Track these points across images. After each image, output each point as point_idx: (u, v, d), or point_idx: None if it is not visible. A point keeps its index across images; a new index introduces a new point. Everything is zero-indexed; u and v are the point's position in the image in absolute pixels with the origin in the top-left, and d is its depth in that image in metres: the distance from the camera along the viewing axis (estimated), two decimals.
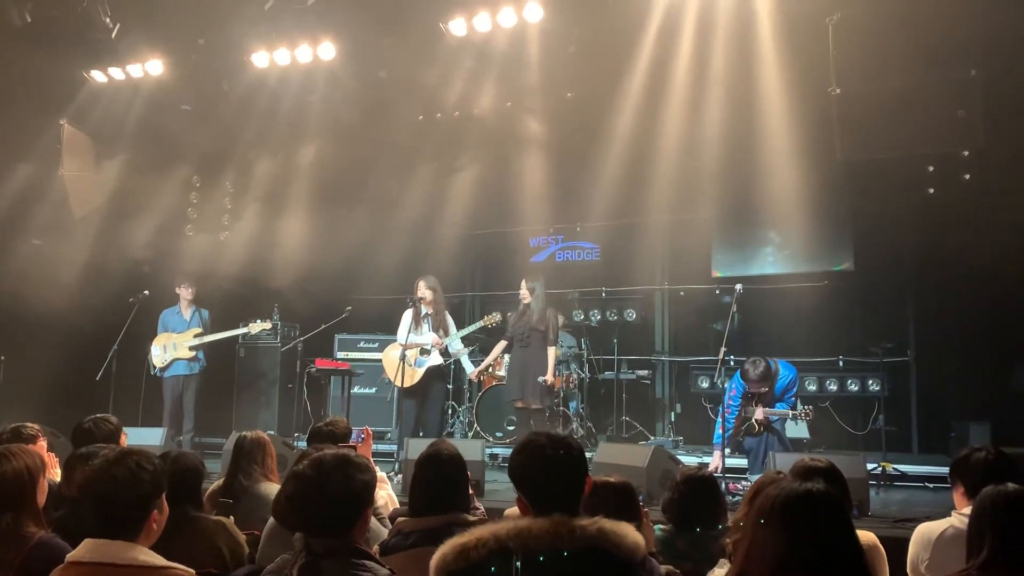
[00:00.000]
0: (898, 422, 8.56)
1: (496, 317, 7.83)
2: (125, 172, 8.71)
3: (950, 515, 3.10)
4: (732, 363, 7.13)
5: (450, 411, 9.17)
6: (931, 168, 8.07)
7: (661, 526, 3.35)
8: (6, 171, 8.07)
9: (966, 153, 7.61)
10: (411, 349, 7.34)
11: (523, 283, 7.25)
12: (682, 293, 10.07)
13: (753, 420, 6.71)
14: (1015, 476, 2.58)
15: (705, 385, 9.36)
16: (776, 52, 6.76)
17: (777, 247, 9.39)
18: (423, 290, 7.45)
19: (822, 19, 6.63)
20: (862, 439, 8.75)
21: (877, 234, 8.97)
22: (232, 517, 3.37)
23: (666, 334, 10.14)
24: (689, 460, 6.72)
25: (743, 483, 6.29)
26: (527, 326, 7.22)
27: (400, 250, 10.21)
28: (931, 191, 8.14)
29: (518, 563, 1.96)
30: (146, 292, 8.34)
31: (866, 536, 3.02)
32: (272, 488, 3.81)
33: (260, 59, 7.58)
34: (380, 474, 3.88)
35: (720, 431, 6.75)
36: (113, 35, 7.14)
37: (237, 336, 8.93)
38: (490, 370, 8.49)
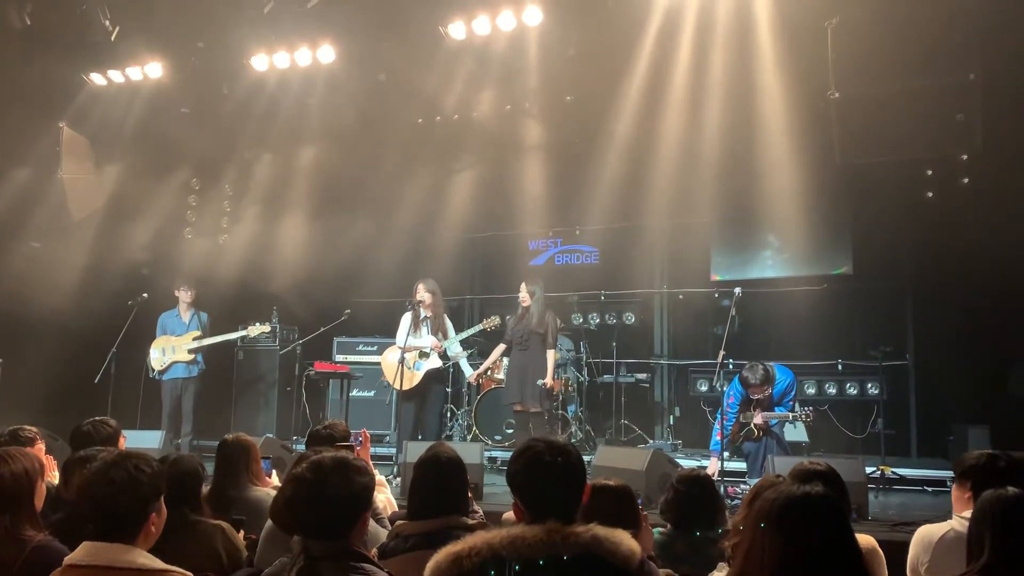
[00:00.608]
0: (897, 426, 8.56)
1: (495, 320, 7.83)
2: (124, 175, 8.71)
3: (950, 518, 3.09)
4: (731, 367, 7.13)
5: (449, 414, 9.16)
6: (929, 172, 8.08)
7: (660, 529, 3.35)
8: (5, 173, 8.07)
9: (964, 157, 7.61)
10: (410, 352, 7.34)
11: (522, 286, 7.25)
12: (681, 296, 10.07)
13: (752, 425, 6.70)
14: None
15: (704, 389, 9.36)
16: (775, 56, 6.77)
17: (776, 251, 9.40)
18: (422, 293, 7.45)
19: (821, 23, 6.64)
20: (861, 443, 8.74)
21: (876, 238, 8.98)
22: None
23: (665, 337, 10.14)
24: (688, 464, 6.71)
25: (742, 486, 6.28)
26: (526, 329, 7.22)
27: (399, 253, 10.21)
28: (929, 195, 8.16)
29: (516, 567, 1.95)
30: (145, 295, 8.34)
31: (865, 540, 3.02)
32: (262, 493, 3.79)
33: (259, 62, 7.58)
34: (379, 477, 3.88)
35: (718, 437, 6.75)
36: (112, 38, 7.14)
37: (236, 339, 8.92)
38: (489, 373, 8.49)
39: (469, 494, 3.18)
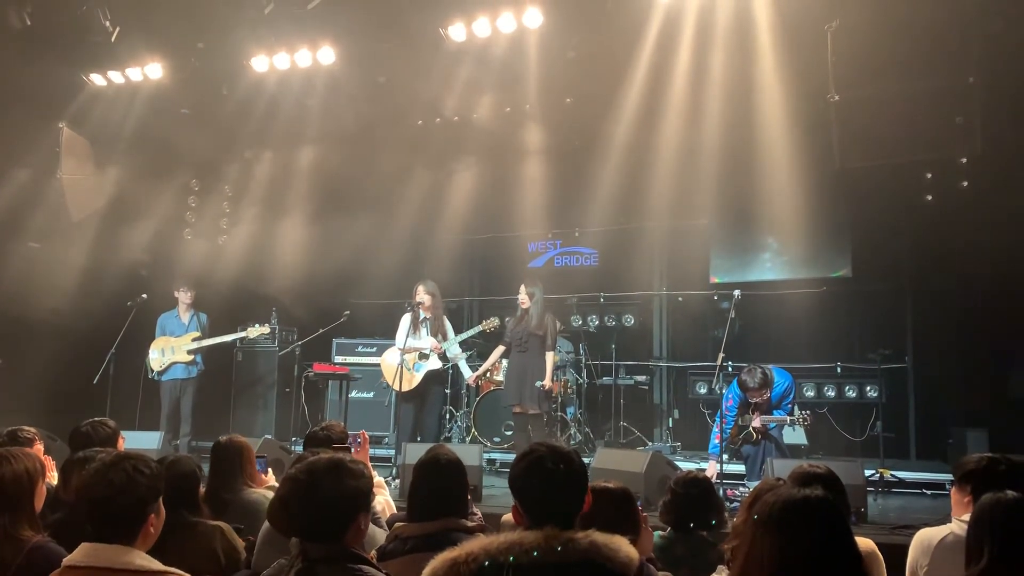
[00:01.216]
0: (896, 428, 8.56)
1: (494, 322, 7.82)
2: (124, 176, 8.71)
3: (949, 521, 3.09)
4: (730, 369, 7.12)
5: (448, 416, 9.16)
6: (929, 175, 8.08)
7: (659, 532, 3.35)
8: (5, 174, 8.06)
9: (964, 160, 7.62)
10: (409, 353, 7.34)
11: (522, 288, 7.25)
12: (680, 299, 10.08)
13: (751, 428, 6.71)
14: None
15: (703, 391, 9.36)
16: (775, 59, 6.78)
17: (775, 253, 9.40)
18: (422, 295, 7.45)
19: (821, 26, 6.64)
20: (860, 445, 8.75)
21: (875, 240, 8.99)
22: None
23: (664, 340, 10.14)
24: (687, 466, 6.70)
25: (741, 489, 6.28)
26: (525, 331, 7.22)
27: (399, 254, 10.22)
28: (929, 198, 8.16)
29: (513, 573, 1.95)
30: (144, 296, 8.33)
31: (864, 543, 3.01)
32: (258, 494, 3.78)
33: (259, 63, 7.59)
34: (377, 479, 3.87)
35: (716, 440, 6.74)
36: (112, 38, 7.14)
37: (235, 340, 8.92)
38: (488, 375, 8.49)
39: (468, 496, 3.17)
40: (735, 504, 5.46)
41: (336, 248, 9.73)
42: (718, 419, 6.84)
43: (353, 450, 4.17)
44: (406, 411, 7.42)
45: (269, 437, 7.11)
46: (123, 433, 4.01)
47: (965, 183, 7.81)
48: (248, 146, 9.08)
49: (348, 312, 8.92)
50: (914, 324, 8.97)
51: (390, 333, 8.08)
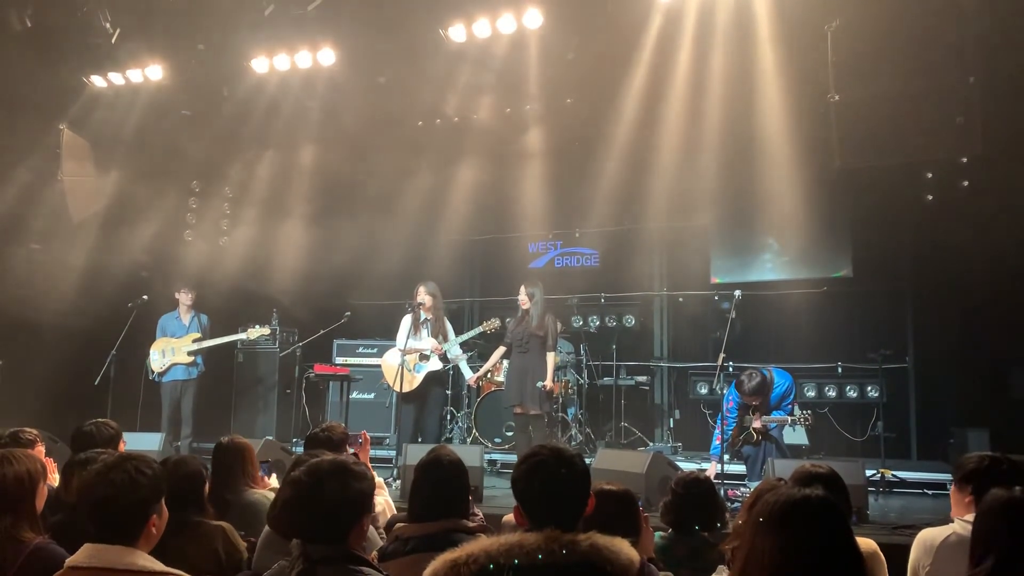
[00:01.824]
0: (897, 428, 8.56)
1: (495, 323, 7.82)
2: (124, 177, 8.71)
3: (951, 521, 3.09)
4: (731, 369, 7.12)
5: (449, 416, 9.16)
6: (929, 175, 8.08)
7: (660, 533, 3.35)
8: (5, 176, 8.07)
9: (964, 160, 7.62)
10: (410, 354, 7.34)
11: (522, 289, 7.24)
12: (681, 299, 10.08)
13: (751, 429, 6.70)
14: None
15: (704, 391, 9.36)
16: (775, 59, 6.78)
17: (776, 253, 9.40)
18: (422, 295, 7.45)
19: (821, 26, 6.65)
20: (861, 445, 8.75)
21: (876, 241, 8.98)
22: None
23: (665, 340, 10.14)
24: (688, 466, 6.70)
25: (742, 489, 6.28)
26: (526, 332, 7.21)
27: (399, 255, 10.22)
28: (929, 198, 8.16)
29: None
30: (145, 297, 8.34)
31: (865, 543, 3.01)
32: (259, 495, 3.78)
33: (260, 65, 7.59)
34: (377, 480, 3.87)
35: (717, 442, 6.74)
36: (113, 40, 7.15)
37: (236, 341, 8.91)
38: (489, 376, 8.49)
39: (470, 497, 3.17)
40: (736, 504, 5.47)
41: (337, 249, 9.73)
42: (719, 420, 6.84)
43: (355, 450, 4.18)
44: (407, 412, 7.42)
45: (270, 438, 7.11)
46: (124, 434, 4.01)
47: (966, 183, 7.81)
48: (248, 147, 9.08)
49: (349, 313, 8.92)
50: (915, 324, 8.97)
51: (391, 334, 8.08)
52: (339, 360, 9.54)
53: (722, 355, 6.82)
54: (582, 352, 9.35)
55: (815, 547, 1.86)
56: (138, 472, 2.34)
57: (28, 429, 3.89)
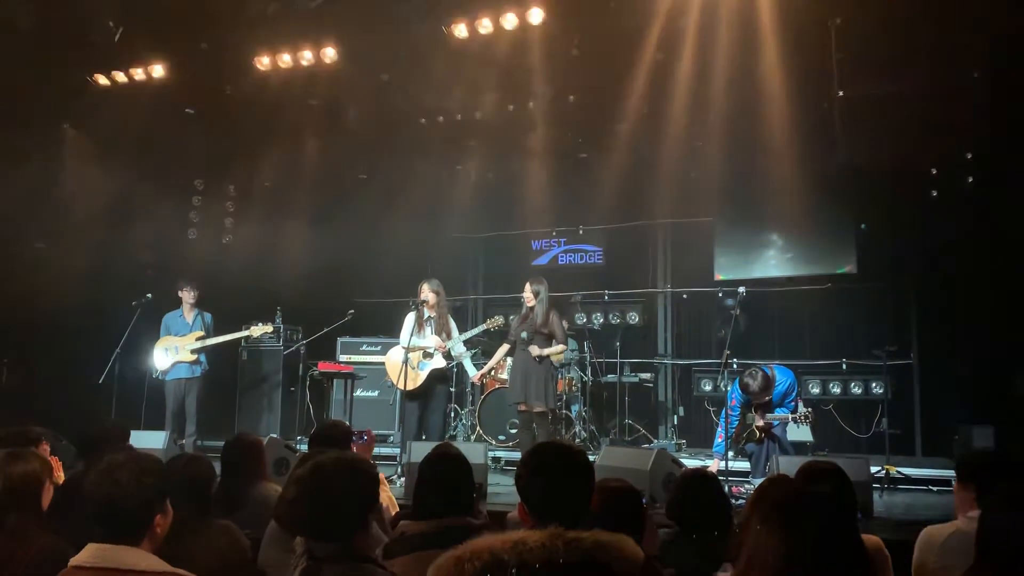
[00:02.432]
0: (902, 425, 8.54)
1: (499, 320, 7.82)
2: (128, 175, 8.71)
3: (955, 518, 3.08)
4: (735, 366, 7.12)
5: (453, 414, 9.16)
6: (934, 170, 8.06)
7: (665, 530, 3.34)
8: (9, 175, 8.08)
9: (969, 155, 7.61)
10: (414, 352, 7.34)
11: (527, 286, 7.23)
12: (685, 296, 10.08)
13: (754, 427, 6.70)
14: None
15: (708, 388, 9.35)
16: (779, 54, 6.76)
17: (780, 250, 9.38)
18: (426, 293, 7.44)
19: (825, 22, 6.63)
20: (865, 442, 8.74)
21: (880, 236, 8.97)
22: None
23: (669, 337, 10.13)
24: (692, 463, 6.71)
25: (746, 486, 6.28)
26: (530, 329, 7.21)
27: (403, 253, 10.23)
28: (934, 193, 8.14)
29: (517, 572, 1.95)
30: (149, 296, 8.34)
31: (870, 540, 3.01)
32: (270, 491, 3.79)
33: (263, 62, 7.59)
34: (380, 476, 3.87)
35: (719, 440, 6.74)
36: (116, 38, 7.15)
37: (240, 339, 8.92)
38: (492, 373, 8.49)
39: (474, 494, 3.17)
40: (740, 501, 5.46)
41: (340, 247, 9.75)
42: (722, 418, 6.83)
43: (357, 447, 4.19)
44: (411, 410, 7.42)
45: (274, 436, 7.11)
46: (131, 432, 4.02)
47: (970, 178, 7.79)
48: (252, 145, 9.08)
49: (352, 311, 8.92)
50: (919, 320, 8.95)
51: (395, 332, 8.08)
52: (343, 358, 9.55)
53: (726, 352, 6.82)
54: (586, 349, 9.35)
55: (818, 544, 1.85)
56: (143, 472, 2.34)
57: (33, 427, 3.90)
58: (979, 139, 6.93)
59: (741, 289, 7.20)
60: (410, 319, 7.44)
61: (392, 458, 7.76)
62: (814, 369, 8.94)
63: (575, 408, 8.85)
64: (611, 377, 9.49)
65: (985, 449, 6.27)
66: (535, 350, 6.98)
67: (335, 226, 9.76)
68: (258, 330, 8.62)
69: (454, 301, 9.63)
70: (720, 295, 9.45)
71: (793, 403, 6.89)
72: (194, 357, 8.23)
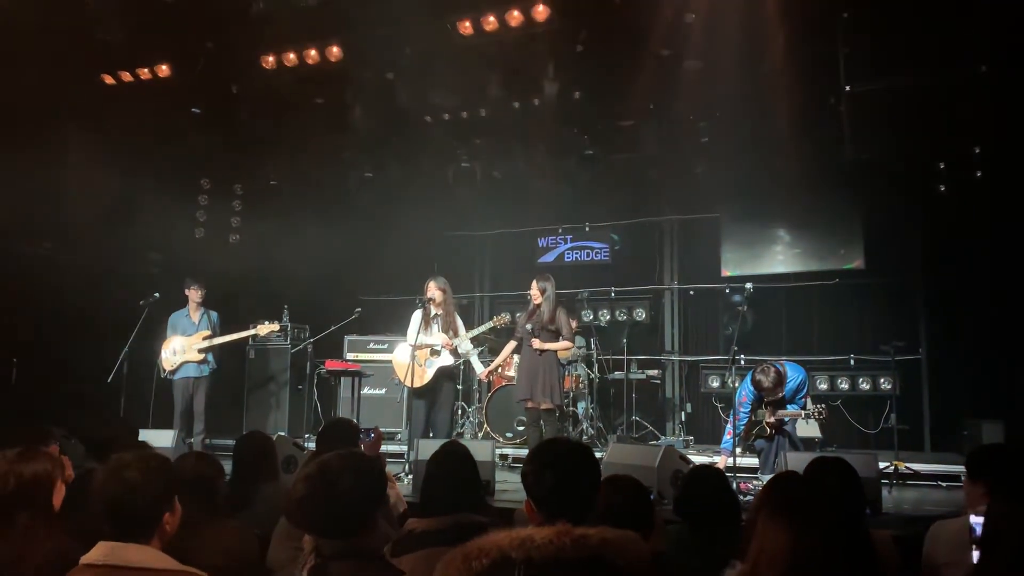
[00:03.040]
0: (910, 421, 8.52)
1: (505, 317, 7.82)
2: (134, 175, 8.74)
3: (965, 513, 3.07)
4: (743, 363, 7.10)
5: (460, 411, 9.17)
6: (942, 165, 8.03)
7: (673, 527, 3.34)
8: (16, 174, 8.11)
9: (977, 150, 7.57)
10: (421, 350, 7.34)
11: (534, 283, 7.23)
12: (692, 292, 10.07)
13: (764, 423, 6.68)
14: None
15: (716, 385, 9.35)
16: (786, 50, 6.73)
17: (787, 245, 9.37)
18: (433, 291, 7.45)
19: (832, 17, 6.60)
20: (874, 438, 8.72)
21: (888, 232, 8.95)
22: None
23: (676, 334, 10.12)
24: (700, 460, 6.70)
25: (754, 483, 6.27)
26: (538, 326, 7.20)
27: (409, 251, 10.25)
28: (942, 188, 8.11)
29: (524, 569, 1.95)
30: (156, 295, 8.36)
31: (879, 535, 3.00)
32: (279, 487, 3.81)
33: (269, 61, 7.61)
34: (388, 473, 3.88)
35: (728, 436, 6.72)
36: (122, 38, 7.16)
37: (247, 338, 8.94)
38: (500, 370, 8.49)
39: (481, 491, 3.18)
40: (748, 497, 5.45)
41: (347, 245, 9.76)
42: (732, 415, 6.81)
43: (364, 445, 4.20)
44: (418, 407, 7.42)
45: (282, 434, 7.13)
46: (139, 431, 4.04)
47: (979, 173, 7.75)
48: (258, 144, 9.10)
49: (360, 309, 8.93)
50: (927, 315, 8.92)
51: (402, 330, 8.08)
52: (350, 356, 9.56)
53: (734, 348, 6.81)
54: (593, 346, 9.34)
55: (826, 540, 1.85)
56: (151, 470, 2.35)
57: (42, 426, 3.91)
58: (986, 134, 6.89)
59: (748, 285, 7.18)
60: (417, 317, 7.45)
61: (399, 455, 7.77)
62: (822, 365, 8.92)
63: (582, 405, 8.84)
64: (618, 374, 9.49)
65: (995, 444, 6.24)
66: (536, 343, 6.99)
67: (341, 224, 9.78)
68: (265, 328, 8.64)
69: (461, 299, 9.64)
70: (727, 291, 9.44)
71: (803, 399, 6.87)
72: (201, 356, 8.25)
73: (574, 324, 7.84)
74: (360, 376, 8.04)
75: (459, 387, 8.72)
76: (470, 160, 9.10)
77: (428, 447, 5.56)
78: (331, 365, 8.23)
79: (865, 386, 8.76)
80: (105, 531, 2.31)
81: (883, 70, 6.74)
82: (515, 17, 6.76)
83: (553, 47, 7.11)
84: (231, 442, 4.07)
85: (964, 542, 2.94)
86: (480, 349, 8.68)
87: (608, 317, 9.89)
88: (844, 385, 8.83)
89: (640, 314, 9.85)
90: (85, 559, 2.28)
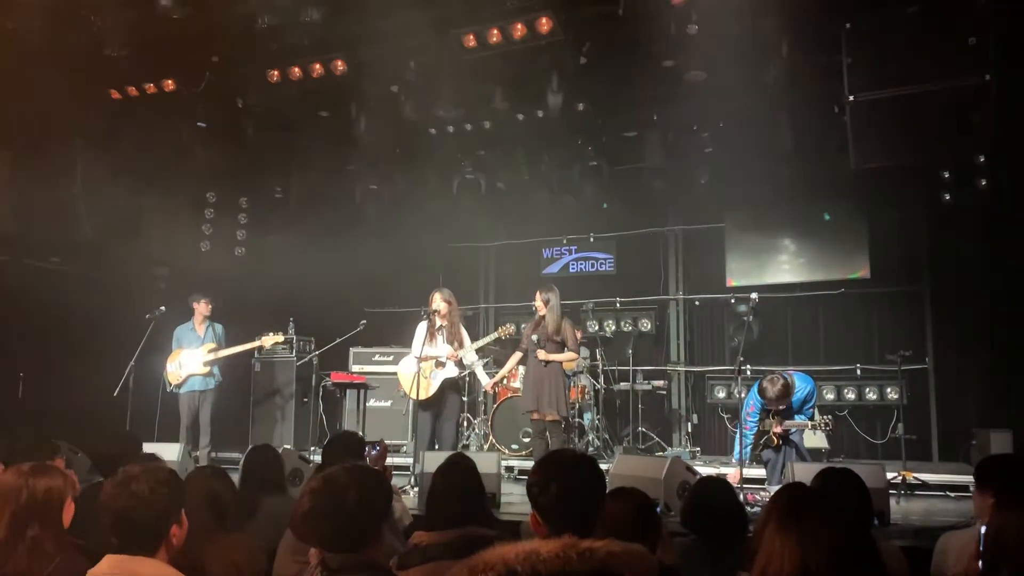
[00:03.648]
0: (918, 430, 8.48)
1: (510, 328, 7.82)
2: (140, 189, 8.77)
3: (974, 524, 3.06)
4: (748, 373, 7.08)
5: (465, 423, 9.16)
6: (946, 174, 8.02)
7: (680, 538, 3.33)
8: (23, 189, 8.15)
9: (982, 158, 7.56)
10: (426, 361, 7.34)
11: (537, 294, 7.23)
12: (697, 303, 10.06)
13: (771, 434, 6.66)
14: None
15: (722, 395, 9.33)
16: (789, 60, 6.74)
17: (792, 255, 9.36)
18: (438, 302, 7.45)
19: (835, 27, 6.61)
20: (881, 448, 8.68)
21: (893, 241, 8.93)
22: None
23: (682, 344, 10.11)
24: (707, 471, 6.68)
25: (762, 494, 6.24)
26: (542, 337, 7.20)
27: (414, 263, 10.26)
28: (947, 197, 8.09)
29: None
30: (162, 308, 8.38)
31: (888, 546, 2.99)
32: (286, 500, 3.81)
33: (273, 75, 7.64)
34: (393, 486, 3.88)
35: (738, 447, 6.69)
36: (128, 53, 7.20)
37: (253, 350, 8.95)
38: (505, 382, 8.48)
39: (487, 504, 3.17)
40: (756, 508, 5.43)
41: (352, 257, 9.77)
42: (740, 426, 6.78)
43: (369, 459, 4.20)
44: (423, 419, 7.42)
45: (288, 447, 7.13)
46: (143, 445, 4.04)
47: (983, 182, 7.74)
48: (263, 157, 9.13)
49: (364, 321, 8.94)
50: (934, 324, 8.90)
51: (407, 341, 8.09)
52: (356, 368, 9.57)
53: (740, 358, 6.80)
54: (598, 357, 9.33)
55: (833, 552, 1.84)
56: (158, 483, 2.35)
57: (49, 440, 3.92)
58: (991, 142, 6.87)
59: (754, 295, 7.16)
60: (422, 328, 7.45)
61: (405, 468, 7.76)
62: (828, 375, 8.90)
63: (588, 416, 8.83)
64: (624, 385, 9.47)
65: (1005, 455, 6.21)
66: (542, 354, 6.99)
67: (346, 236, 9.80)
68: (269, 340, 8.64)
69: (466, 310, 9.64)
70: (733, 301, 9.43)
71: (811, 410, 6.85)
72: (207, 369, 8.26)
73: (579, 335, 7.82)
74: (365, 388, 8.05)
75: (465, 399, 8.70)
76: (474, 172, 9.12)
77: (434, 459, 5.55)
78: (336, 377, 8.24)
79: (872, 396, 8.74)
80: (112, 544, 2.31)
81: (886, 79, 6.74)
82: (519, 30, 6.77)
83: (557, 59, 7.12)
84: (237, 455, 4.10)
85: (973, 553, 2.92)
86: (485, 360, 8.68)
87: (613, 328, 9.89)
88: (851, 395, 8.80)
89: (645, 325, 9.85)
90: (92, 572, 2.28)
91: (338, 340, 9.21)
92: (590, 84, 7.61)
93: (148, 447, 4.56)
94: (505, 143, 8.78)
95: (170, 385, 8.29)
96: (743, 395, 6.84)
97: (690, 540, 3.31)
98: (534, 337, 7.13)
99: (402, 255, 10.35)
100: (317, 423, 9.62)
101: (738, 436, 6.76)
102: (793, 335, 9.50)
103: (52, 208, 8.31)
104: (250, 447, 4.12)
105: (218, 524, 3.09)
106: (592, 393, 9.00)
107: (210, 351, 8.29)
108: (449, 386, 7.44)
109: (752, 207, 9.36)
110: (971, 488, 3.28)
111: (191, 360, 8.26)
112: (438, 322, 7.45)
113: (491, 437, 8.73)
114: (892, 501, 5.87)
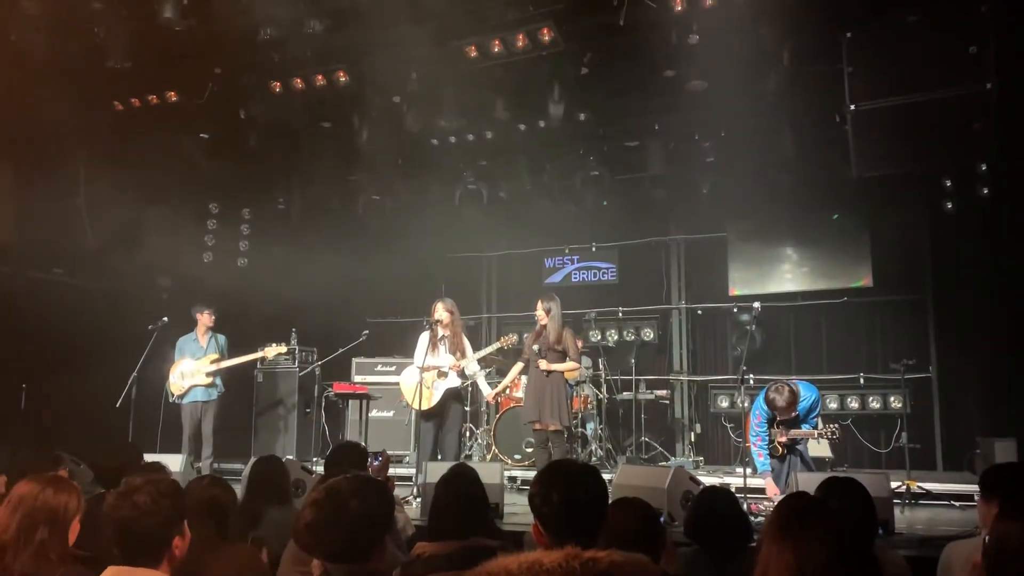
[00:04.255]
0: (922, 439, 8.45)
1: (512, 338, 7.81)
2: (143, 200, 8.80)
3: (979, 533, 3.04)
4: (751, 382, 7.06)
5: (468, 433, 9.14)
6: (948, 182, 8.03)
7: (684, 549, 3.32)
8: (26, 200, 8.17)
9: (983, 167, 7.56)
10: (428, 372, 7.34)
11: (539, 304, 7.23)
12: (700, 312, 10.05)
13: (777, 443, 6.64)
14: None
15: (725, 405, 9.31)
16: (790, 69, 6.75)
17: (795, 264, 9.36)
18: (440, 312, 7.45)
19: (836, 36, 6.62)
20: (885, 457, 8.66)
21: (895, 250, 8.93)
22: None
23: (684, 354, 10.09)
24: (710, 481, 6.65)
25: (766, 503, 6.22)
26: (544, 347, 7.19)
27: (416, 273, 10.27)
28: (949, 205, 8.10)
29: None
30: (165, 319, 8.39)
31: (893, 556, 2.97)
32: (289, 511, 3.81)
33: (275, 86, 7.67)
34: (396, 496, 3.87)
35: (760, 458, 6.66)
36: (131, 64, 7.23)
37: (255, 361, 8.95)
38: (507, 392, 8.47)
39: (490, 515, 3.16)
40: (760, 518, 5.41)
41: (354, 267, 9.78)
42: (753, 438, 6.75)
43: (371, 469, 4.19)
44: (426, 429, 7.40)
45: (291, 458, 7.13)
46: (145, 456, 4.04)
47: (985, 190, 7.74)
48: (266, 168, 9.16)
49: (367, 331, 8.94)
50: (937, 333, 8.88)
51: (409, 352, 8.09)
52: (358, 378, 9.56)
53: (743, 368, 6.79)
54: (601, 367, 9.32)
55: (833, 561, 1.84)
56: (160, 494, 2.35)
57: (52, 451, 3.92)
58: (993, 150, 6.88)
59: (756, 304, 7.15)
60: (424, 339, 7.45)
61: (408, 478, 7.74)
62: (832, 384, 8.88)
63: (591, 426, 8.81)
64: (627, 394, 9.46)
65: (1010, 463, 6.19)
66: (543, 364, 6.98)
67: (349, 247, 9.81)
68: (271, 350, 8.64)
69: (468, 320, 9.64)
70: (735, 310, 9.42)
71: (816, 419, 6.83)
72: (210, 380, 8.26)
73: (580, 344, 7.81)
74: (368, 399, 8.04)
75: (467, 409, 8.69)
76: (476, 182, 9.13)
77: (436, 470, 5.53)
78: (339, 388, 8.23)
79: (875, 405, 8.71)
80: (114, 555, 2.31)
81: (887, 88, 6.75)
82: (520, 40, 6.79)
83: (558, 69, 7.15)
84: (239, 466, 4.10)
85: (977, 564, 2.90)
86: (487, 370, 8.67)
87: (616, 337, 9.88)
88: (854, 404, 8.78)
89: (648, 334, 9.83)
90: None
91: (340, 350, 9.21)
92: (591, 94, 7.63)
93: (150, 458, 4.55)
94: (507, 153, 8.80)
95: (172, 396, 8.28)
96: (746, 404, 6.82)
97: (694, 550, 3.30)
98: (535, 347, 7.12)
99: (404, 265, 10.36)
100: (319, 434, 9.61)
101: (754, 448, 6.71)
102: (796, 344, 9.48)
103: (55, 219, 8.34)
104: (256, 457, 4.12)
105: (219, 533, 3.09)
106: (595, 403, 8.99)
107: (213, 362, 8.28)
108: (451, 396, 7.43)
109: (754, 216, 9.37)
110: (976, 497, 3.26)
111: (194, 371, 8.26)
112: (440, 332, 7.45)
113: (494, 447, 8.71)
114: (896, 510, 5.84)
